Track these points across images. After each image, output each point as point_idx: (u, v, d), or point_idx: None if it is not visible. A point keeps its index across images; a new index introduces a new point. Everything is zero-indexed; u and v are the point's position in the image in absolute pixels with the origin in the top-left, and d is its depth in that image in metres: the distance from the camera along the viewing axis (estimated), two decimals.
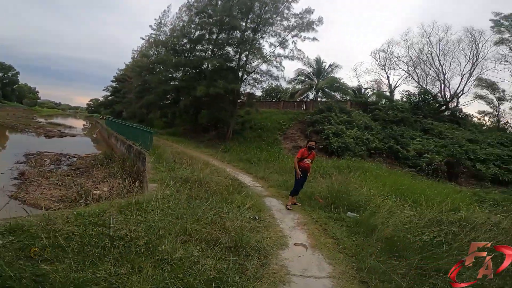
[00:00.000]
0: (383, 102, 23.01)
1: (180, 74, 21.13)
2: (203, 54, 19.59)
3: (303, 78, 28.92)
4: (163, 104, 22.89)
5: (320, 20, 15.71)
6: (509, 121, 23.96)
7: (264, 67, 17.08)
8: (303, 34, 15.90)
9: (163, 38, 22.47)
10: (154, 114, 26.80)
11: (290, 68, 59.00)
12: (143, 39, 26.01)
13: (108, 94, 47.23)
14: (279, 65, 16.51)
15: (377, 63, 27.90)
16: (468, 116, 23.10)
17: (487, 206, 7.02)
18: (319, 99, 25.98)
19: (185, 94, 18.62)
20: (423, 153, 13.75)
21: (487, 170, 12.88)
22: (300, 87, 29.17)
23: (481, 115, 25.11)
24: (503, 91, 23.64)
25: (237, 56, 17.47)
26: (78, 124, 44.86)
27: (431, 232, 3.48)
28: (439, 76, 23.30)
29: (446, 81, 23.16)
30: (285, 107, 22.86)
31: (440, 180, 11.10)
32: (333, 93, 26.36)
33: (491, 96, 24.04)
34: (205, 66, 18.42)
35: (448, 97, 23.19)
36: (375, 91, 27.90)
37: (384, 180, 7.75)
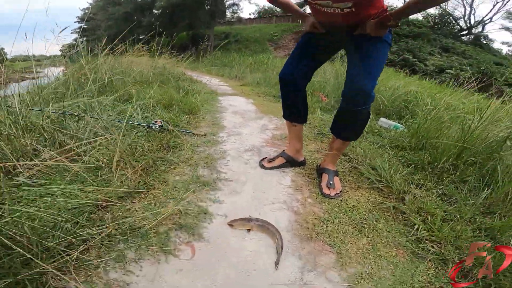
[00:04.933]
0: None
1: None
2: None
3: None
4: (133, 29, 19.57)
5: None
6: None
7: None
8: None
9: None
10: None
11: None
12: None
13: (78, 36, 43.64)
14: None
15: None
16: (493, 42, 20.44)
17: None
18: None
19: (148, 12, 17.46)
20: (445, 69, 11.29)
21: None
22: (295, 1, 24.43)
23: (503, 45, 22.65)
24: None
25: None
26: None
27: None
28: (464, 1, 20.97)
29: (472, 8, 21.08)
30: (278, 22, 18.98)
31: None
32: None
33: None
34: None
35: (473, 22, 21.26)
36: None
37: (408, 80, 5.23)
